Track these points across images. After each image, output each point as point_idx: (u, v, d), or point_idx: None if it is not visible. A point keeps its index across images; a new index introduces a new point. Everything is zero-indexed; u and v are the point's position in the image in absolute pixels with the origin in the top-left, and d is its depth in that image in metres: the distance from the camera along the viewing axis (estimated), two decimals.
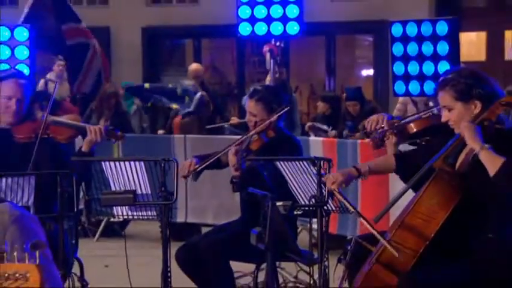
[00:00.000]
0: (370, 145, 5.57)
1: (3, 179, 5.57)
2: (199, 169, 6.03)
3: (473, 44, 16.49)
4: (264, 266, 5.87)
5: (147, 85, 13.66)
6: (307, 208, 5.24)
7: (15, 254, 2.67)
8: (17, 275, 2.61)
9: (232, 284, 6.05)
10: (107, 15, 17.72)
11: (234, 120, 12.61)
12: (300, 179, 5.16)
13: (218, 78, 16.22)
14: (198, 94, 12.22)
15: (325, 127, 11.53)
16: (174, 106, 12.29)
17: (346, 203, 4.95)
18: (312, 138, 9.89)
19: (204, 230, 9.71)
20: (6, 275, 2.61)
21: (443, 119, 4.65)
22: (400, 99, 10.62)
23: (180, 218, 10.08)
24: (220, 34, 17.72)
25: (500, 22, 16.26)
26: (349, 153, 9.21)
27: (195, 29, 17.69)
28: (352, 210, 4.96)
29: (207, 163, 6.05)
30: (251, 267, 6.31)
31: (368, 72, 18.28)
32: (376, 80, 17.25)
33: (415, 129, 5.33)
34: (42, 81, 12.53)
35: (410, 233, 4.42)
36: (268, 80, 11.70)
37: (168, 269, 5.41)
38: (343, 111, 11.87)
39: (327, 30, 16.19)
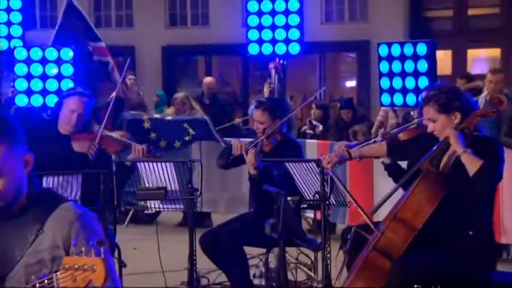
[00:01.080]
0: None
1: (56, 177, 5.65)
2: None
3: (440, 61, 16.39)
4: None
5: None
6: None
7: (82, 248, 2.64)
8: (85, 266, 2.55)
9: (246, 265, 6.02)
10: (132, 36, 17.65)
11: (239, 119, 12.65)
12: (305, 177, 5.15)
13: (226, 89, 16.16)
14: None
15: (319, 125, 11.79)
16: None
17: (343, 189, 4.98)
18: (308, 140, 9.90)
19: (214, 216, 9.95)
20: (76, 266, 2.58)
21: (429, 130, 4.62)
22: (379, 118, 10.64)
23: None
24: (227, 52, 17.69)
25: (463, 42, 16.27)
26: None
27: (206, 47, 17.62)
28: (350, 199, 4.94)
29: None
30: (259, 250, 6.32)
31: (351, 84, 18.25)
32: (359, 91, 17.20)
33: (404, 138, 5.32)
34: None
35: (401, 225, 4.41)
36: (266, 91, 11.75)
37: (194, 252, 5.45)
38: (336, 118, 12.00)
39: (318, 49, 16.17)
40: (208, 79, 13.92)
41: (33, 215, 2.91)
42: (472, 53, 16.65)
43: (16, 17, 8.26)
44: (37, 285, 2.64)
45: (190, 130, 10.71)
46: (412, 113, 6.88)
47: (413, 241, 4.38)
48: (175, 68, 18.36)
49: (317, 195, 4.96)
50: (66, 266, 2.59)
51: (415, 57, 7.14)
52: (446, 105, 4.52)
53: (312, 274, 6.90)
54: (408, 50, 7.20)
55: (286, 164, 5.31)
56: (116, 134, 6.59)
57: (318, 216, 5.67)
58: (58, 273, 2.61)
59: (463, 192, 4.38)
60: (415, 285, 4.46)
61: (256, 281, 6.32)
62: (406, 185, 4.74)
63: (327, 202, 5.02)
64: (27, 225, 2.89)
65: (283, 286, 4.56)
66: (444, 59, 16.59)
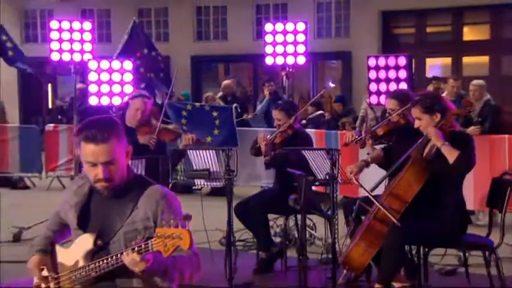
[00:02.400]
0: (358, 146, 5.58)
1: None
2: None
3: None
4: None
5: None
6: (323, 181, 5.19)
7: (171, 221, 2.66)
8: (174, 235, 2.58)
9: (268, 227, 6.07)
10: (168, 48, 17.50)
11: (247, 115, 12.54)
12: (318, 162, 5.09)
13: (240, 89, 16.11)
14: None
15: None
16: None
17: (360, 186, 4.79)
18: (308, 130, 9.83)
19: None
20: (167, 235, 2.59)
21: (415, 126, 4.59)
22: (363, 105, 10.62)
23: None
24: (241, 60, 17.73)
25: (422, 53, 16.26)
26: (332, 140, 9.22)
27: (225, 57, 17.62)
28: (360, 187, 4.77)
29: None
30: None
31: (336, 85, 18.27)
32: (342, 90, 17.13)
33: (381, 132, 5.32)
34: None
35: (396, 199, 4.40)
36: (266, 91, 11.66)
37: (231, 218, 5.46)
38: (330, 110, 12.26)
39: (312, 58, 16.14)
40: (227, 81, 13.87)
41: (129, 195, 2.94)
42: (430, 61, 16.60)
43: (87, 36, 8.23)
44: (136, 248, 2.66)
45: (217, 121, 10.67)
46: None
47: (404, 211, 4.38)
48: (200, 74, 18.32)
49: (327, 176, 4.93)
50: (159, 234, 2.63)
51: (397, 67, 7.11)
52: (429, 107, 4.50)
53: (314, 233, 6.92)
54: (391, 61, 7.18)
55: (304, 152, 5.25)
56: (170, 126, 6.60)
57: None
58: (152, 240, 2.64)
59: (443, 174, 4.37)
60: (406, 246, 4.50)
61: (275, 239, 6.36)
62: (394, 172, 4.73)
63: (335, 181, 4.99)
64: (126, 202, 2.92)
65: (303, 241, 4.49)
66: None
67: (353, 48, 16.19)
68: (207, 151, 5.47)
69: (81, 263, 2.88)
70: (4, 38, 11.96)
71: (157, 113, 6.52)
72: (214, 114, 10.72)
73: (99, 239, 2.87)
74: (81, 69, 8.61)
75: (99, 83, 7.84)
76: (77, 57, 8.28)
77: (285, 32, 7.91)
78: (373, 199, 4.42)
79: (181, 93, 14.37)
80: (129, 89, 7.77)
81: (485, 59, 16.39)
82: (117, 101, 7.86)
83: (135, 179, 3.00)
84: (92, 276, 2.84)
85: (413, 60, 16.76)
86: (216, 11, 17.77)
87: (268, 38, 7.99)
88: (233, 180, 5.42)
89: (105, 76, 7.82)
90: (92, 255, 2.86)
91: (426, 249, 4.62)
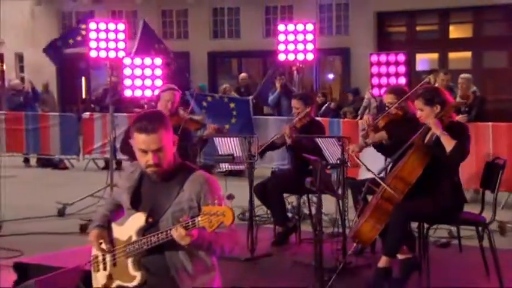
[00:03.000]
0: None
1: None
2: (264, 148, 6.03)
3: None
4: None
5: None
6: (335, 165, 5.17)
7: (215, 200, 2.68)
8: (218, 213, 2.60)
9: (284, 204, 6.04)
10: (188, 45, 17.53)
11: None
12: (330, 148, 5.06)
13: (251, 81, 16.05)
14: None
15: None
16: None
17: (360, 163, 4.80)
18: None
19: None
20: (212, 212, 2.61)
21: (418, 116, 4.53)
22: (367, 95, 10.57)
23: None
24: (252, 55, 17.66)
25: (413, 48, 16.14)
26: (335, 128, 9.22)
27: (238, 53, 17.56)
28: (364, 167, 4.76)
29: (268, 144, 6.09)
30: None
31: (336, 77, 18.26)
32: (341, 83, 17.09)
33: (382, 124, 5.21)
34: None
35: (400, 180, 4.37)
36: (278, 84, 11.57)
37: (253, 197, 5.48)
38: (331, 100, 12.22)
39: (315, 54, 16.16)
40: (243, 75, 13.83)
41: (176, 179, 2.94)
42: (419, 56, 16.55)
43: (121, 36, 8.18)
44: (184, 224, 2.68)
45: (234, 111, 10.63)
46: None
47: (408, 192, 4.36)
48: (216, 68, 18.28)
49: (338, 160, 4.91)
50: (205, 212, 2.64)
51: (397, 63, 7.07)
52: (430, 100, 4.45)
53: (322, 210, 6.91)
54: (391, 58, 7.14)
55: (317, 139, 5.22)
56: (196, 117, 6.59)
57: None
58: (199, 217, 2.65)
59: (442, 159, 4.35)
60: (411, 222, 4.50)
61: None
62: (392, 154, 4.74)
63: (345, 165, 4.97)
64: (173, 185, 2.93)
65: (319, 217, 4.46)
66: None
67: (351, 45, 16.15)
68: (232, 138, 5.47)
69: (134, 238, 2.89)
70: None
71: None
72: (232, 105, 10.70)
73: (150, 217, 2.88)
74: (115, 65, 8.58)
75: (132, 77, 7.81)
76: (112, 55, 8.23)
77: (295, 32, 7.84)
78: (380, 181, 4.41)
79: (199, 85, 14.37)
80: (159, 82, 7.74)
81: (468, 54, 16.33)
82: (148, 93, 7.84)
83: (181, 165, 3.01)
84: (144, 250, 2.85)
85: (404, 57, 16.98)
86: (230, 12, 17.72)
87: (281, 37, 7.91)
88: (254, 164, 5.42)
89: (138, 71, 7.80)
90: (144, 231, 2.87)
91: (426, 226, 4.59)
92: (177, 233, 2.67)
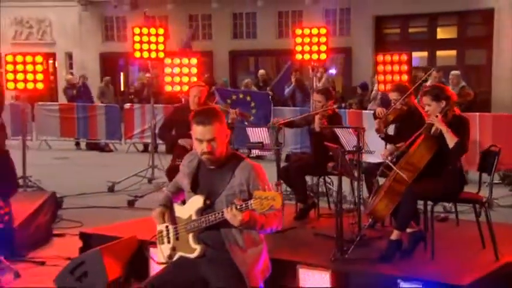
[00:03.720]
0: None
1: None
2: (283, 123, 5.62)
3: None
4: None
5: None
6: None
7: (266, 186, 2.69)
8: (268, 197, 2.59)
9: (305, 185, 5.92)
10: (211, 44, 17.45)
11: None
12: (346, 137, 4.96)
13: (268, 77, 16.01)
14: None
15: None
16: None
17: (390, 163, 4.53)
18: None
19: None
20: (263, 196, 2.60)
21: (425, 110, 4.46)
22: (375, 88, 10.45)
23: None
24: (267, 54, 17.57)
25: (405, 47, 15.85)
26: (342, 117, 9.16)
27: (255, 52, 17.47)
28: (388, 162, 4.54)
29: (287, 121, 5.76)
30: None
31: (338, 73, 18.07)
32: (343, 77, 16.96)
33: (391, 118, 5.17)
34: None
35: (411, 166, 4.30)
36: (293, 79, 11.48)
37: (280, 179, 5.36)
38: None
39: None
40: (261, 71, 13.79)
41: (228, 167, 2.93)
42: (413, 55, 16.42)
43: (161, 39, 8.17)
44: (238, 206, 2.68)
45: (252, 103, 10.57)
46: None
47: (417, 176, 4.31)
48: (236, 64, 18.20)
49: (354, 148, 4.81)
50: (257, 196, 2.64)
51: (400, 63, 7.00)
52: (437, 96, 4.37)
53: (332, 187, 6.84)
54: (396, 58, 7.08)
55: (336, 129, 5.13)
56: (221, 107, 6.48)
57: None
58: (251, 200, 2.65)
59: (445, 149, 4.28)
60: (418, 200, 4.46)
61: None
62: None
63: (361, 151, 4.86)
64: (226, 172, 2.92)
65: (340, 196, 4.39)
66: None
67: (353, 44, 16.03)
68: (261, 128, 5.40)
69: (193, 217, 2.90)
70: None
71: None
72: (248, 98, 10.69)
73: (207, 200, 2.89)
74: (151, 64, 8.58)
75: (172, 74, 7.83)
76: (153, 55, 8.23)
77: (310, 35, 7.80)
78: (393, 167, 4.35)
79: (223, 80, 14.33)
80: (194, 79, 7.73)
81: (453, 52, 16.18)
82: (185, 88, 7.83)
83: (232, 155, 3.00)
84: (202, 227, 2.87)
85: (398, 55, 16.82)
86: (247, 16, 17.61)
87: (298, 40, 7.87)
88: (281, 150, 5.37)
89: (176, 69, 7.80)
90: (202, 211, 2.89)
91: (430, 203, 4.57)
92: (231, 214, 2.68)
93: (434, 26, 16.25)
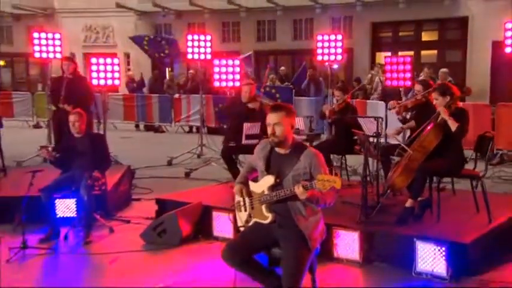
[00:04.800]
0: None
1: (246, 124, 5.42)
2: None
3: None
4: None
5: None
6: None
7: (327, 171, 2.69)
8: (330, 180, 2.58)
9: (331, 163, 5.69)
10: (239, 46, 17.14)
11: None
12: (368, 125, 4.88)
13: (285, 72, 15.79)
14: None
15: None
16: None
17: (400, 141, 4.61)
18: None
19: None
20: (325, 179, 2.59)
21: (434, 103, 4.39)
22: (376, 80, 10.29)
23: None
24: (284, 54, 17.35)
25: (396, 48, 15.81)
26: None
27: (275, 51, 17.25)
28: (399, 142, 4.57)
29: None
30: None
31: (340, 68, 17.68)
32: (345, 72, 16.66)
33: (410, 105, 5.09)
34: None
35: (423, 148, 4.27)
36: (309, 74, 11.35)
37: None
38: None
39: None
40: (282, 68, 13.66)
41: (295, 153, 2.90)
42: (400, 53, 15.92)
43: (208, 44, 8.12)
44: (304, 185, 2.66)
45: (277, 94, 10.51)
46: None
47: (427, 156, 4.28)
48: (259, 62, 17.94)
49: (374, 133, 4.71)
50: (320, 178, 2.62)
51: (404, 63, 6.89)
52: (443, 92, 4.33)
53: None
54: (400, 59, 6.97)
55: (359, 119, 5.01)
56: (266, 101, 6.45)
57: None
58: (315, 181, 2.63)
59: (450, 134, 4.24)
60: (427, 176, 4.42)
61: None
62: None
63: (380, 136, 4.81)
64: (292, 157, 2.89)
65: (366, 172, 4.33)
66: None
67: (354, 45, 15.74)
68: (298, 117, 5.35)
69: (266, 192, 2.90)
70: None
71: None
72: (273, 91, 10.65)
73: (278, 178, 2.88)
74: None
75: (219, 73, 7.80)
76: (202, 56, 8.20)
77: (329, 40, 7.72)
78: (407, 148, 4.33)
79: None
80: (237, 77, 7.66)
81: (434, 52, 15.85)
82: (230, 84, 7.79)
83: (298, 143, 2.97)
84: (274, 200, 2.87)
85: (390, 53, 16.50)
86: (269, 23, 17.33)
87: (319, 44, 7.80)
88: (313, 135, 5.32)
89: (223, 69, 7.77)
90: (273, 187, 2.88)
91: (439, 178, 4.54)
92: (299, 191, 2.69)
93: (419, 30, 15.93)
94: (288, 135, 2.89)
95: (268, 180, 2.91)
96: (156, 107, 12.54)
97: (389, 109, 5.25)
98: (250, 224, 3.00)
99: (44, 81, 17.71)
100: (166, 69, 18.87)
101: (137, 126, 13.22)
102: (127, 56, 18.13)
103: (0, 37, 18.95)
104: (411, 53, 16.02)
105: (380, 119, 4.73)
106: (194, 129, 12.26)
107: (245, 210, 3.03)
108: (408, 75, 6.74)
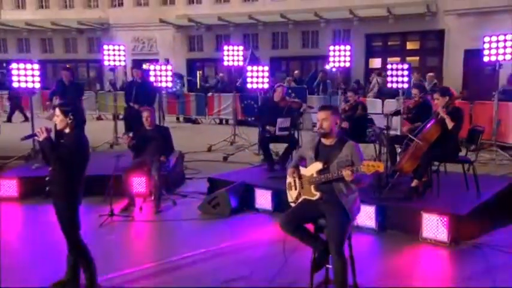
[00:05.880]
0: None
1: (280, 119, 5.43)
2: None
3: (377, 63, 15.88)
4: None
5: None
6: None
7: (359, 158, 2.70)
8: (373, 165, 2.57)
9: None
10: (258, 53, 16.78)
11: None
12: (380, 120, 4.88)
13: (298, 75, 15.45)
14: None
15: None
16: None
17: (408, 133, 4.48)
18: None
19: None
20: (370, 164, 2.58)
21: (434, 103, 4.34)
22: (374, 81, 10.12)
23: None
24: (295, 59, 17.09)
25: (386, 55, 15.53)
26: None
27: (286, 57, 16.97)
28: (409, 135, 4.43)
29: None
30: None
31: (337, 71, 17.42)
32: (344, 75, 16.37)
33: (411, 106, 5.02)
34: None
35: (426, 140, 4.25)
36: (320, 75, 11.24)
37: None
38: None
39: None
40: (296, 72, 13.49)
41: (338, 145, 2.88)
42: (390, 60, 15.79)
43: (241, 53, 8.07)
44: (351, 169, 2.64)
45: (293, 93, 10.42)
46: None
47: (430, 146, 4.26)
48: (273, 66, 17.37)
49: (384, 127, 4.70)
50: (365, 163, 2.59)
51: (403, 70, 6.81)
52: (443, 93, 4.30)
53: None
54: (400, 66, 6.89)
55: (373, 115, 5.06)
56: (296, 100, 6.41)
57: None
58: (360, 165, 2.61)
59: (447, 129, 4.22)
60: (430, 162, 4.39)
61: None
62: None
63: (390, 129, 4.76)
64: (336, 148, 2.87)
65: (380, 157, 4.34)
66: (378, 62, 15.92)
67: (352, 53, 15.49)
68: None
69: (314, 175, 2.91)
70: None
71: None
72: (289, 91, 10.57)
73: (325, 164, 2.88)
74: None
75: (251, 76, 7.79)
76: (235, 64, 8.19)
77: (339, 50, 7.67)
78: (414, 139, 4.32)
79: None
80: (266, 80, 7.62)
81: (417, 58, 15.59)
82: (260, 86, 7.77)
83: (341, 137, 2.95)
84: (321, 181, 2.88)
85: (380, 60, 16.21)
86: (282, 34, 16.97)
87: (331, 53, 7.77)
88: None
89: (254, 73, 7.75)
90: (320, 172, 2.89)
91: (438, 163, 4.53)
92: (346, 173, 2.70)
93: (404, 40, 15.66)
94: (332, 128, 2.90)
95: (317, 165, 2.92)
96: (194, 103, 12.57)
97: (396, 114, 5.19)
98: (300, 200, 3.02)
99: (100, 82, 17.86)
100: (197, 72, 18.91)
101: (177, 118, 13.25)
102: (167, 61, 18.09)
103: (68, 47, 19.06)
104: (397, 59, 15.84)
105: (390, 115, 4.72)
106: (224, 122, 12.28)
107: (295, 189, 3.05)
108: (406, 79, 6.69)
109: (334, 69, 8.34)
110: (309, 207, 2.95)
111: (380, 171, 2.58)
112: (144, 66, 8.56)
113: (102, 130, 8.28)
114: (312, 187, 2.95)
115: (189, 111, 12.73)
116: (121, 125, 8.16)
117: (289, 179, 3.10)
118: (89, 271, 2.76)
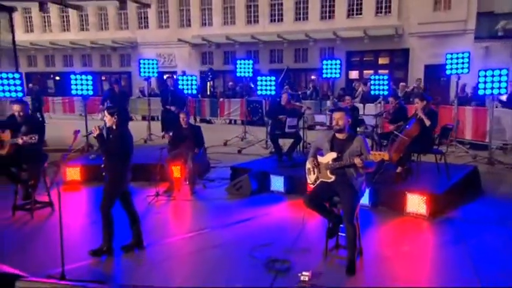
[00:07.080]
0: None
1: (287, 118, 5.39)
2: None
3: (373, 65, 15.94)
4: None
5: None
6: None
7: (365, 149, 2.75)
8: (380, 154, 2.63)
9: None
10: (258, 67, 16.68)
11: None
12: (370, 121, 4.89)
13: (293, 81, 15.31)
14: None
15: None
16: None
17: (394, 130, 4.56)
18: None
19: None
20: (377, 154, 2.62)
21: (415, 105, 4.35)
22: (359, 89, 10.09)
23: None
24: (289, 71, 16.96)
25: (362, 68, 15.49)
26: None
27: (283, 70, 16.73)
28: (395, 132, 4.52)
29: None
30: None
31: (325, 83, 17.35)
32: (327, 86, 16.37)
33: (391, 111, 5.03)
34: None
35: (409, 136, 4.29)
36: (310, 85, 11.18)
37: None
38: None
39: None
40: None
41: (349, 139, 2.92)
42: (365, 73, 15.85)
43: (251, 66, 8.05)
44: (362, 157, 2.71)
45: (292, 100, 10.27)
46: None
47: (411, 140, 4.30)
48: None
49: (373, 127, 4.78)
50: (372, 153, 2.68)
51: (383, 80, 6.82)
52: (422, 98, 4.32)
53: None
54: (381, 77, 6.90)
55: (364, 116, 5.08)
56: (298, 103, 6.40)
57: None
58: (369, 155, 2.67)
59: (425, 127, 4.25)
60: (411, 153, 4.46)
61: None
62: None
63: (378, 128, 4.83)
64: (348, 141, 2.92)
65: (374, 149, 4.34)
66: (356, 74, 15.91)
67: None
68: (321, 115, 5.37)
69: (330, 162, 2.97)
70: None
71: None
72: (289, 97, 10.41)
73: (339, 154, 2.94)
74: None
75: (260, 85, 7.77)
76: (247, 74, 8.17)
77: (331, 64, 7.62)
78: (400, 135, 4.38)
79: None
80: (273, 88, 7.58)
81: (386, 71, 15.54)
82: (268, 93, 7.72)
83: (350, 133, 2.99)
84: (336, 167, 2.92)
85: (358, 72, 16.15)
86: (278, 51, 16.96)
87: (325, 66, 7.70)
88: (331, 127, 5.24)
89: (264, 82, 7.73)
90: (335, 160, 2.95)
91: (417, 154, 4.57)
92: (357, 161, 2.76)
93: (377, 57, 15.72)
94: (345, 125, 2.96)
95: (332, 155, 2.98)
96: (208, 106, 12.53)
97: (380, 115, 5.24)
98: (318, 183, 3.08)
99: (129, 90, 17.72)
100: (207, 82, 18.78)
101: (195, 119, 13.18)
102: (183, 72, 17.98)
103: (103, 61, 18.99)
104: (371, 71, 15.93)
105: (379, 117, 4.77)
106: (233, 122, 12.28)
107: (314, 174, 3.11)
108: (386, 87, 6.74)
109: (319, 79, 8.27)
110: (325, 187, 3.03)
111: (386, 158, 2.64)
112: (165, 77, 8.53)
113: (135, 128, 8.24)
114: (328, 172, 3.01)
115: (204, 113, 12.71)
116: (153, 125, 8.13)
117: (308, 165, 3.15)
118: (108, 235, 2.93)
